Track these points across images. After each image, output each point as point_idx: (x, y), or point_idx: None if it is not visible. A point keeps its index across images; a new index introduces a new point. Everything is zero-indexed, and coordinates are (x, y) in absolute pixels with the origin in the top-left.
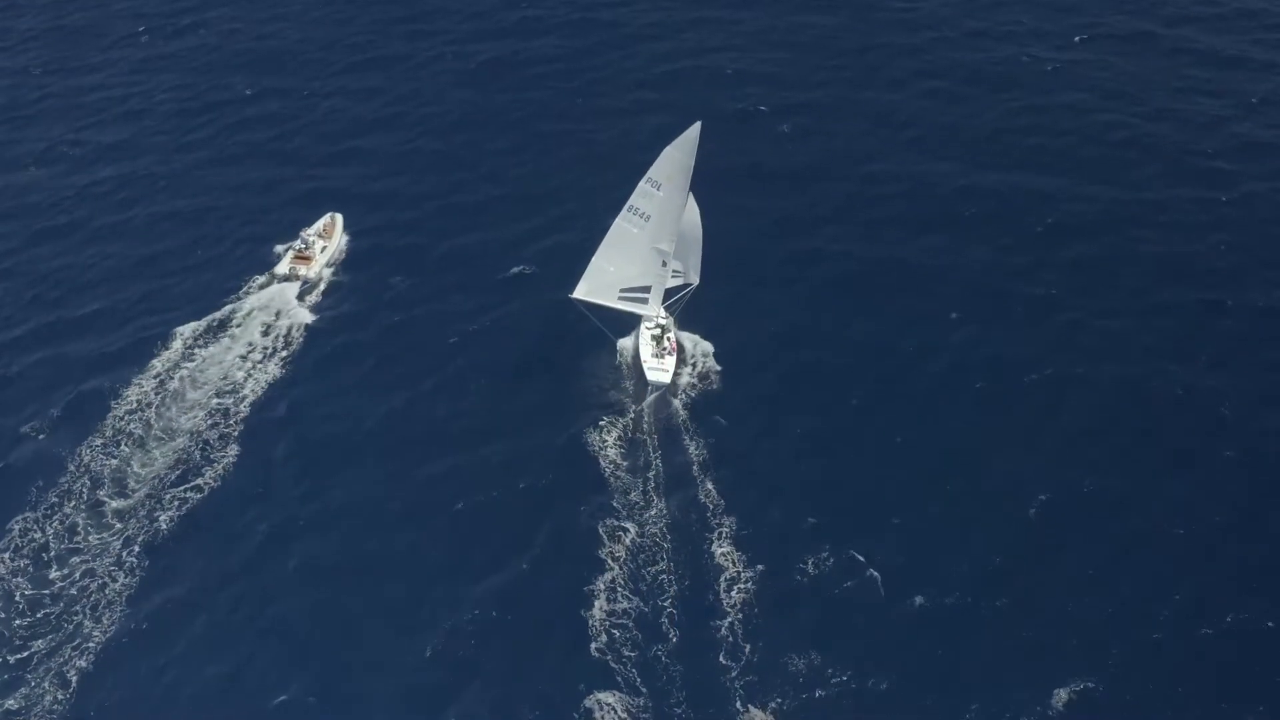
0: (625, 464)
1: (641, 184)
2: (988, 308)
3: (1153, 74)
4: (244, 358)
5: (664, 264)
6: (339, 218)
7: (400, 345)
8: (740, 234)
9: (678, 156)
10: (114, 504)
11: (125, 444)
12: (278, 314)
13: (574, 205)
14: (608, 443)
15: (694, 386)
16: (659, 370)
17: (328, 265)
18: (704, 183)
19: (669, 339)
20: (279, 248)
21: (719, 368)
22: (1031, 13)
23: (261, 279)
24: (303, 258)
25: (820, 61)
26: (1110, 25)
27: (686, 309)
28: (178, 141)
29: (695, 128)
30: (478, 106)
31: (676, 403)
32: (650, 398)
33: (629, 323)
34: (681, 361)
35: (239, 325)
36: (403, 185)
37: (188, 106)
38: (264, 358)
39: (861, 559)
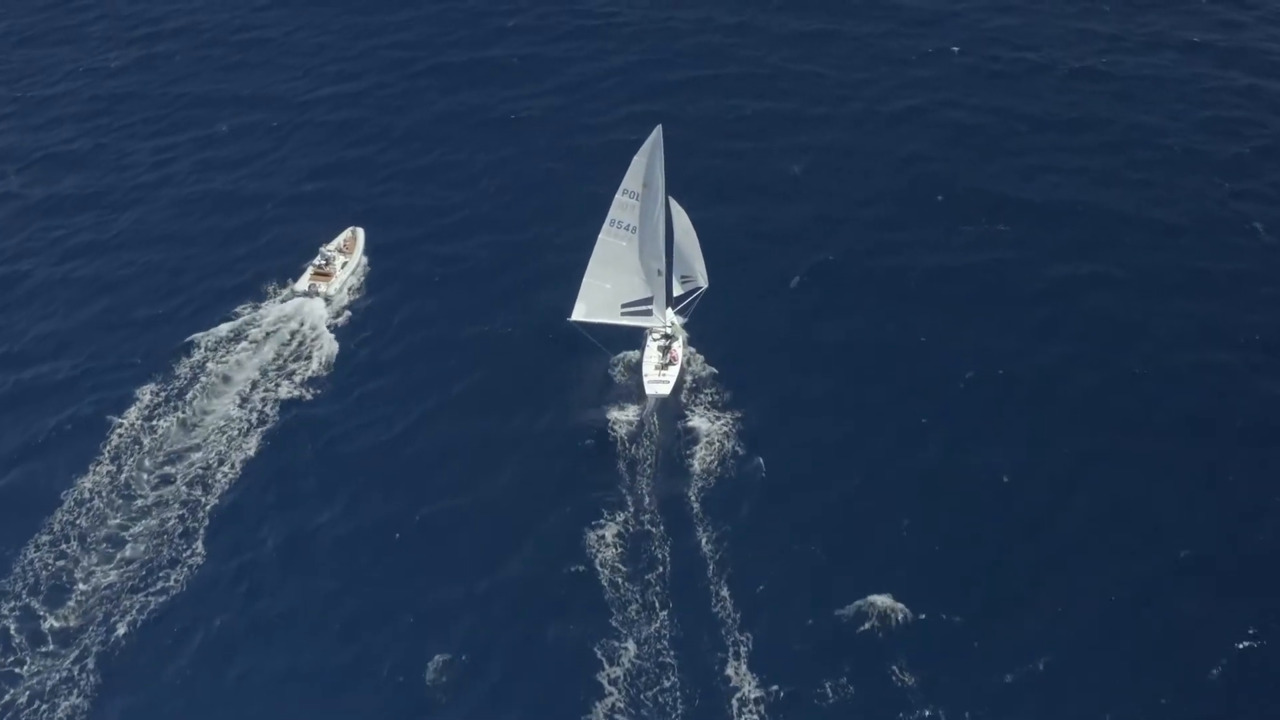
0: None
1: (618, 196)
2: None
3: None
4: (262, 373)
5: (659, 272)
6: (360, 233)
7: (414, 368)
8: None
9: (644, 162)
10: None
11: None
12: (294, 331)
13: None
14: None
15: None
16: (659, 382)
17: (349, 282)
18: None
19: (674, 349)
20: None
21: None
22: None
23: (282, 294)
24: (323, 274)
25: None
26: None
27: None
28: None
29: (656, 130)
30: (497, 117)
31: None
32: (650, 409)
33: (632, 337)
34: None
35: (256, 341)
36: (424, 199)
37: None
38: (279, 374)
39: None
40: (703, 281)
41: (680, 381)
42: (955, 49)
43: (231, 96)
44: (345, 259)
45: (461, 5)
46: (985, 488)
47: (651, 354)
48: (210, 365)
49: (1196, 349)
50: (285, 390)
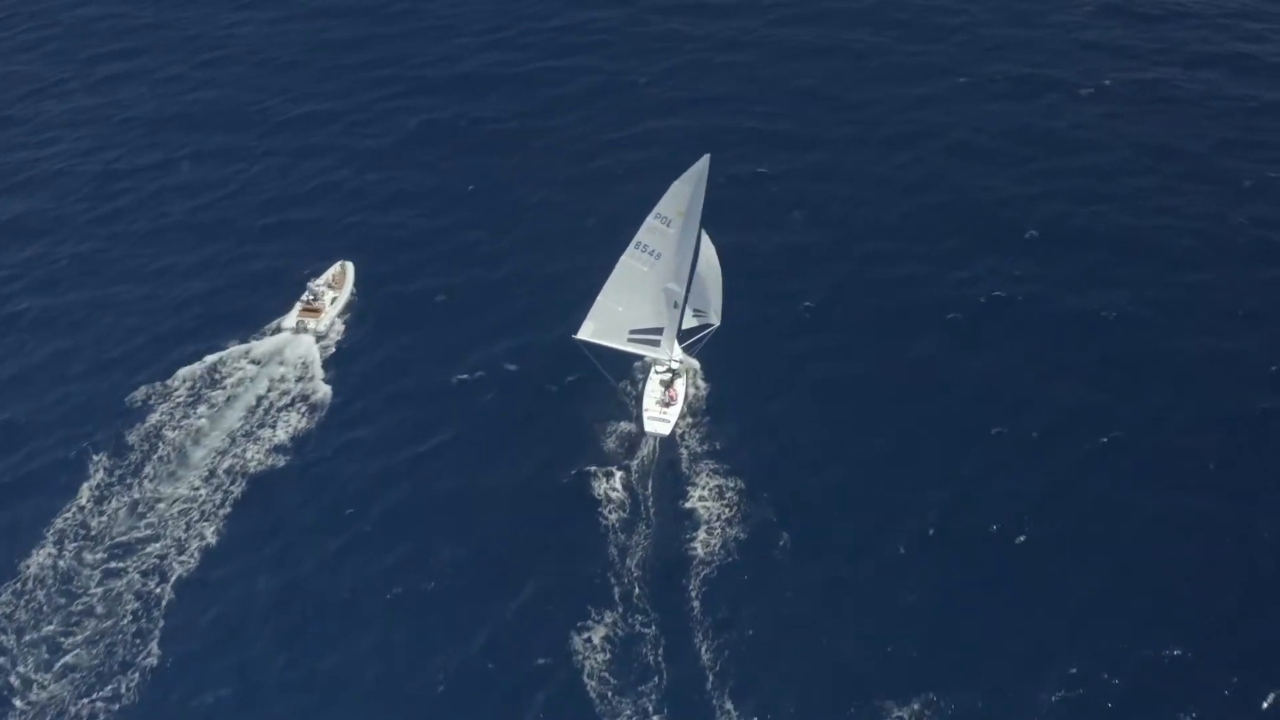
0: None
1: (649, 219)
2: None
3: (1182, 129)
4: (251, 410)
5: (675, 305)
6: (350, 266)
7: (410, 407)
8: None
9: (686, 190)
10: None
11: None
12: (279, 376)
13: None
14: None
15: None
16: (659, 420)
17: (339, 316)
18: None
19: (676, 388)
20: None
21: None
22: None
23: (269, 332)
24: (312, 310)
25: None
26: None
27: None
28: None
29: (704, 160)
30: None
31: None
32: (649, 447)
33: (631, 363)
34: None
35: (233, 389)
36: (409, 228)
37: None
38: (272, 410)
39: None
40: (715, 319)
41: (680, 427)
42: (959, 69)
43: (194, 120)
44: (335, 294)
45: (435, 23)
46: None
47: (653, 388)
48: (178, 421)
49: (1228, 390)
50: (261, 450)
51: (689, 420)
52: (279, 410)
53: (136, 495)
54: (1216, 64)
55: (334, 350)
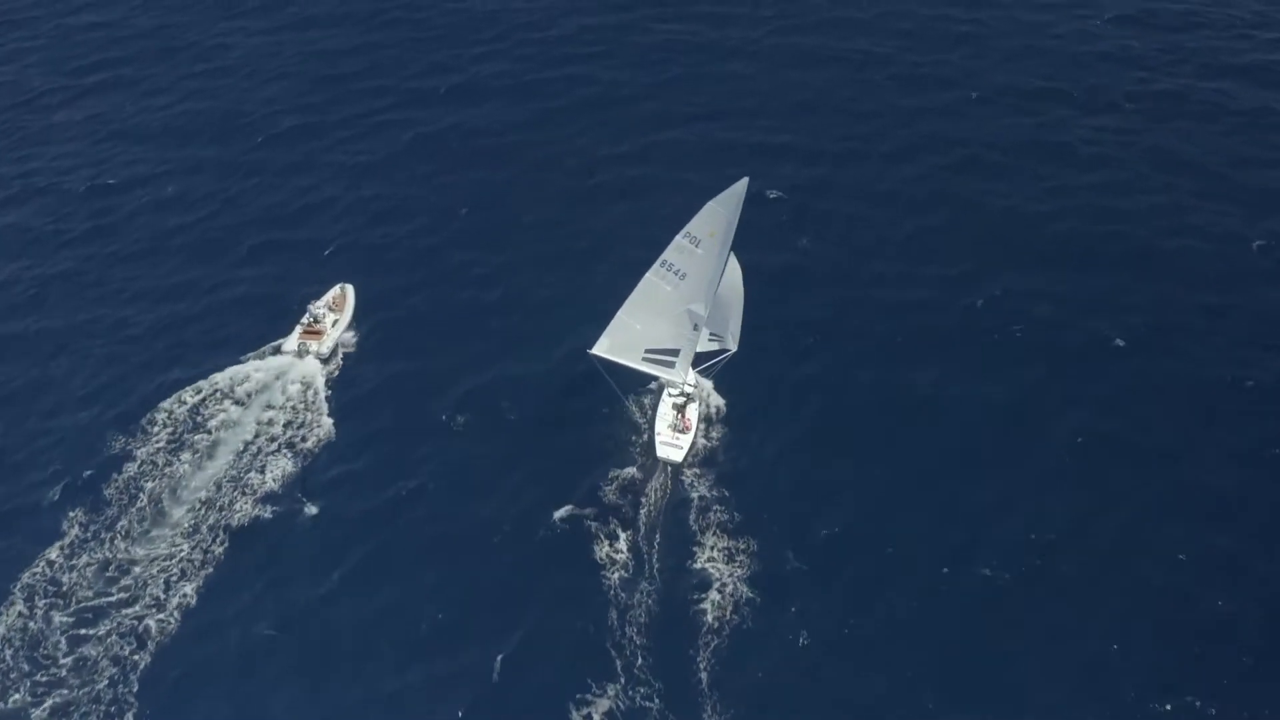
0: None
1: (678, 238)
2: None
3: (1207, 144)
4: (253, 436)
5: (695, 327)
6: (350, 289)
7: (408, 441)
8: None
9: (721, 212)
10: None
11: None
12: (285, 391)
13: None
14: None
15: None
16: (672, 446)
17: (341, 339)
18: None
19: (689, 415)
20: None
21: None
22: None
23: (267, 354)
24: (313, 332)
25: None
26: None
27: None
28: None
29: (743, 183)
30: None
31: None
32: (656, 481)
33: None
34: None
35: (244, 402)
36: (409, 249)
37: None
38: (261, 455)
39: None
40: (733, 345)
41: (689, 461)
42: (967, 81)
43: (181, 134)
44: (335, 316)
45: (428, 33)
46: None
47: (666, 411)
48: (160, 468)
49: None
50: (251, 498)
51: (697, 455)
52: (268, 455)
53: (109, 554)
54: (1232, 75)
55: (338, 374)
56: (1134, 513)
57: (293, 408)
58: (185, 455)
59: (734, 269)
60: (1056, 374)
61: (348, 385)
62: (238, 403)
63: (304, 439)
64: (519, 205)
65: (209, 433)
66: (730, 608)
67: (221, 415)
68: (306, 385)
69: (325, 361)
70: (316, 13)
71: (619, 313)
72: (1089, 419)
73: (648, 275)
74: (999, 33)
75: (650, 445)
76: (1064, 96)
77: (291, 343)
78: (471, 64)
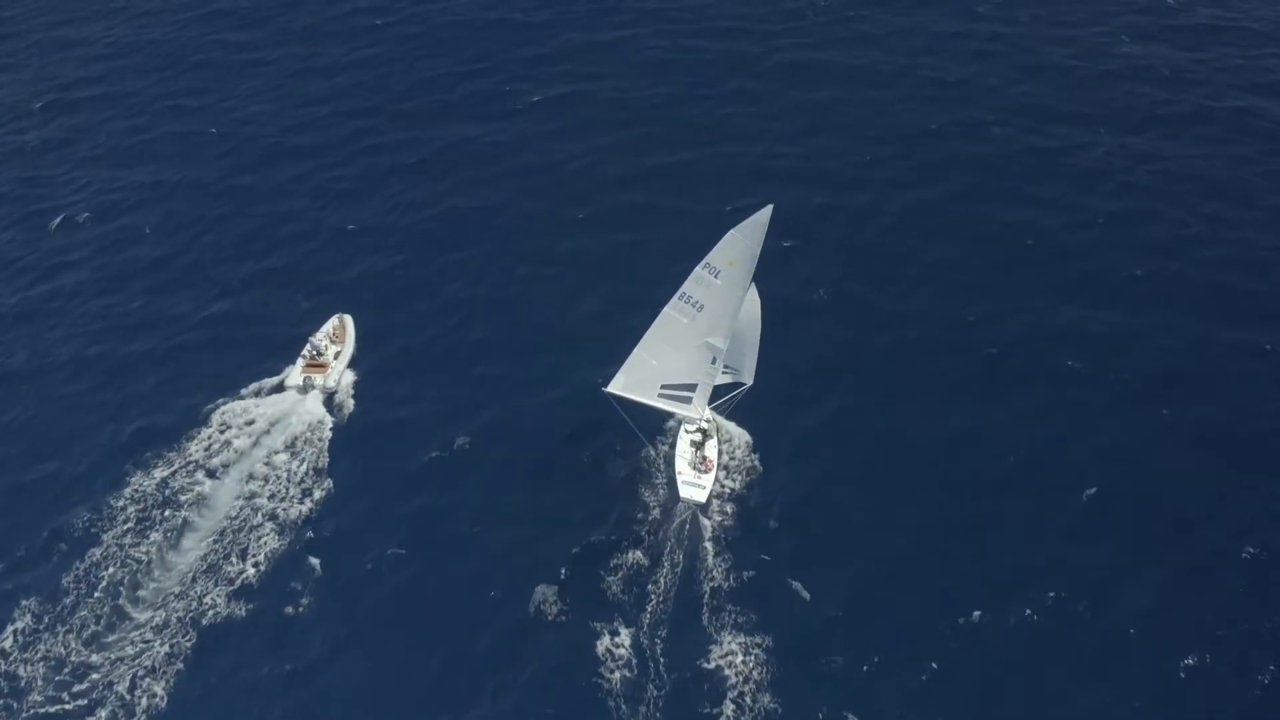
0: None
1: (698, 269)
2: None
3: (1238, 167)
4: (264, 466)
5: (714, 361)
6: (348, 319)
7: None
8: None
9: (743, 243)
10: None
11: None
12: (296, 434)
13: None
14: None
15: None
16: (695, 487)
17: (346, 370)
18: None
19: (709, 453)
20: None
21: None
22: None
23: (267, 394)
24: (316, 365)
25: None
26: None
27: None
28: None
29: (766, 211)
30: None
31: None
32: (681, 515)
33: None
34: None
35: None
36: (399, 283)
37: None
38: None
39: None
40: (748, 379)
41: (713, 499)
42: (987, 108)
43: (156, 158)
44: (338, 348)
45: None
46: None
47: (685, 449)
48: (125, 551)
49: None
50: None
51: (720, 497)
52: (251, 530)
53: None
54: (1260, 92)
55: (348, 413)
56: (1165, 571)
57: (301, 445)
58: (155, 535)
59: (753, 300)
60: (1081, 421)
61: (358, 428)
62: (211, 475)
63: (301, 498)
64: (516, 235)
65: (178, 508)
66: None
67: (197, 489)
68: (314, 425)
69: (331, 393)
70: (296, 33)
71: (636, 348)
72: (1112, 471)
73: (666, 309)
74: (1012, 49)
75: (671, 484)
76: (1085, 118)
77: (295, 377)
78: (460, 83)
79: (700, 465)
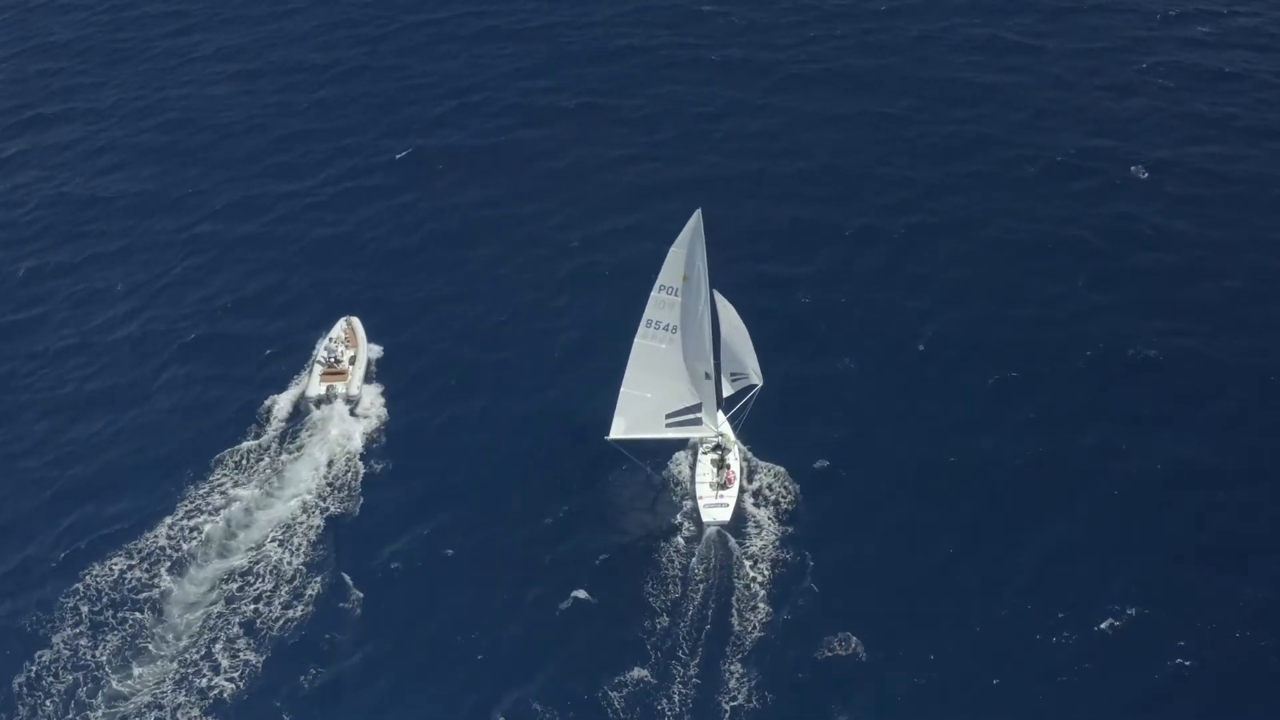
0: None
1: (654, 294)
2: None
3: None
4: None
5: (707, 376)
6: (356, 321)
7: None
8: None
9: (682, 254)
10: None
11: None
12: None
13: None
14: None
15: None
16: (718, 507)
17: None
18: None
19: (731, 468)
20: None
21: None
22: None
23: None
24: (336, 373)
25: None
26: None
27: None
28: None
29: (695, 216)
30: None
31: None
32: (706, 541)
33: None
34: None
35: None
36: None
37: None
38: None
39: None
40: (756, 379)
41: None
42: (1003, 147)
43: (111, 207)
44: (352, 352)
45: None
46: None
47: (704, 470)
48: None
49: None
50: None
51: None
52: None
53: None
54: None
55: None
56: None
57: (341, 468)
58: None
59: (725, 307)
60: (1110, 511)
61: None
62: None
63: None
64: (494, 290)
65: (138, 612)
66: None
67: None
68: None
69: (353, 402)
70: (266, 67)
71: (622, 388)
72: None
73: (636, 340)
74: (1026, 88)
75: (695, 511)
76: (1102, 158)
77: (315, 387)
78: (440, 124)
79: (722, 481)
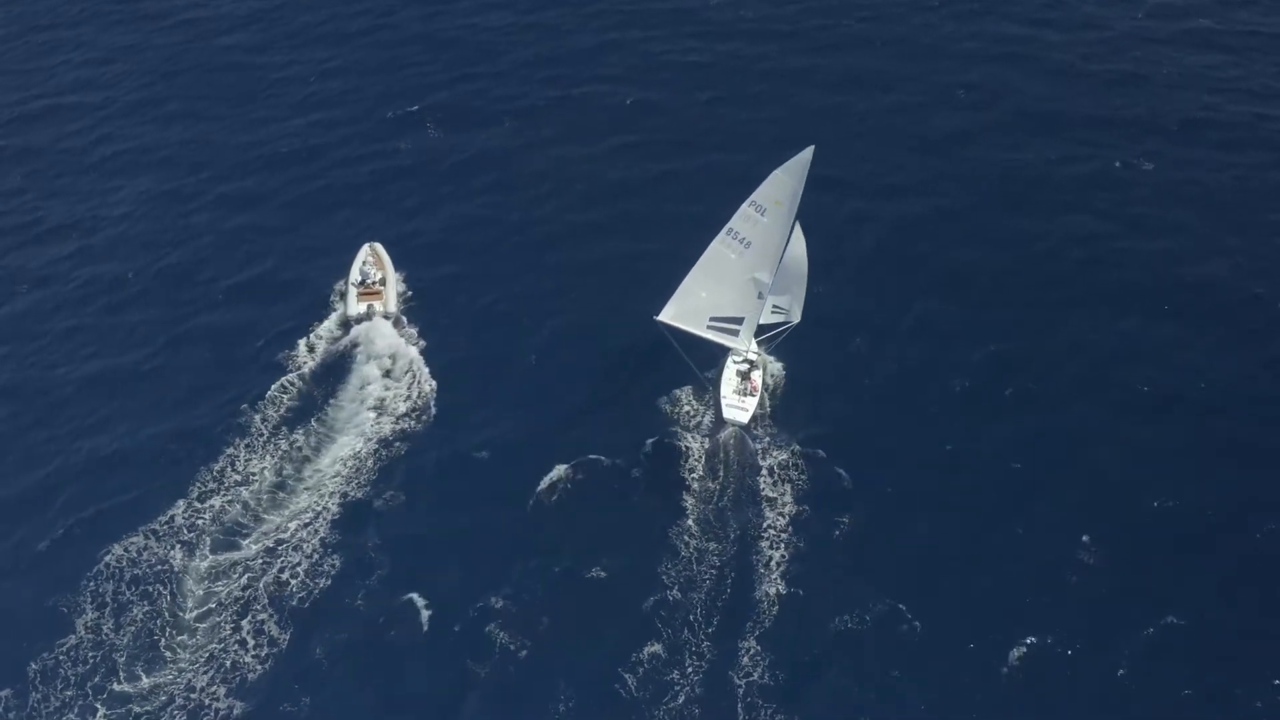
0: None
1: (744, 207)
2: None
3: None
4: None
5: (760, 295)
6: (379, 246)
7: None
8: None
9: (787, 181)
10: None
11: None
12: (393, 357)
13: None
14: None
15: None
16: (738, 409)
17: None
18: None
19: (754, 379)
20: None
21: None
22: None
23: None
24: (371, 292)
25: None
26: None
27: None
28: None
29: (808, 151)
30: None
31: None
32: (724, 434)
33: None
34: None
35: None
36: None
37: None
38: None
39: None
40: (796, 317)
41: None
42: (978, 135)
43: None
44: (381, 273)
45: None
46: None
47: (730, 377)
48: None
49: None
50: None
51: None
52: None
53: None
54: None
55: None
56: None
57: (400, 389)
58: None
59: (799, 239)
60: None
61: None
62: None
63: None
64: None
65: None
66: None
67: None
68: (401, 361)
69: (400, 322)
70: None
71: (685, 280)
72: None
73: (714, 244)
74: (1005, 90)
75: (716, 409)
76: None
77: (354, 307)
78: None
79: (745, 390)
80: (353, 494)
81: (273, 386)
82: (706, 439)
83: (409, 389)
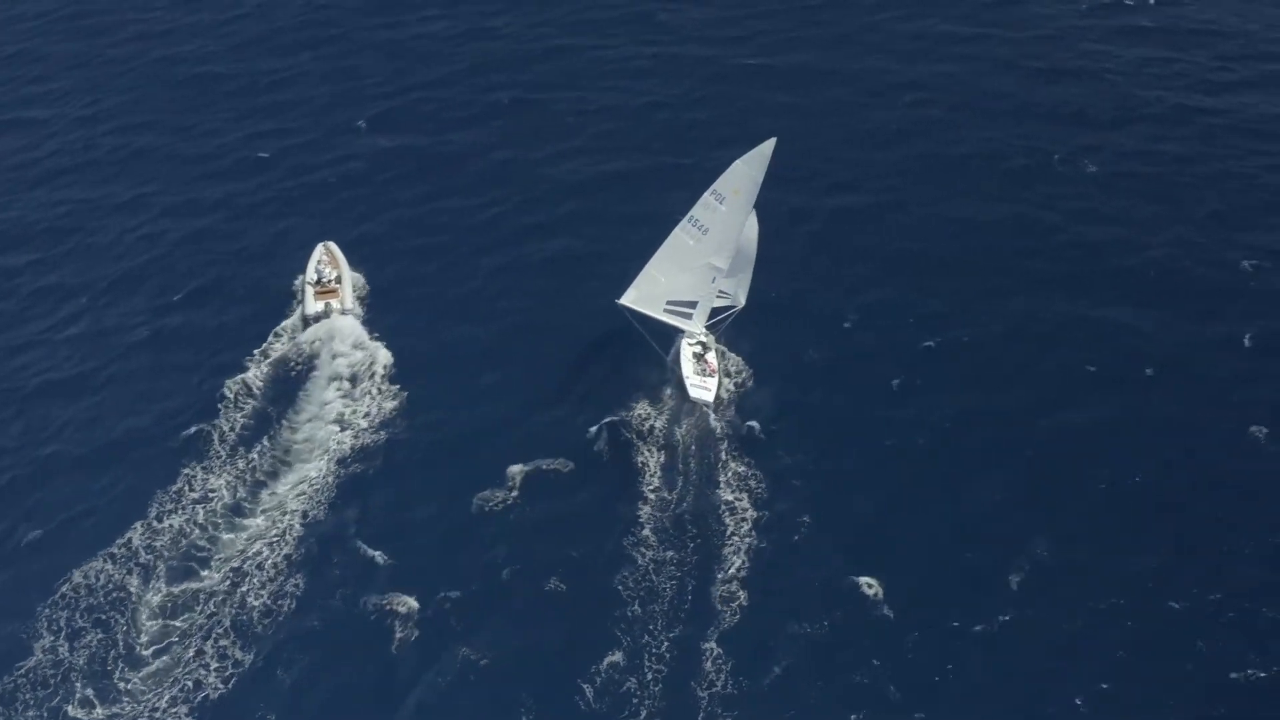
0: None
1: (705, 195)
2: None
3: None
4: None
5: (713, 280)
6: (333, 245)
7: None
8: None
9: (746, 172)
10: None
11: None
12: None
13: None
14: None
15: None
16: (702, 389)
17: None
18: None
19: (710, 360)
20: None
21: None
22: None
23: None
24: (327, 290)
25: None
26: None
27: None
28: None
29: (769, 143)
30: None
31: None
32: (688, 420)
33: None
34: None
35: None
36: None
37: None
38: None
39: None
40: (741, 301)
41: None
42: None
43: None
44: (336, 272)
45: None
46: None
47: (688, 357)
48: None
49: None
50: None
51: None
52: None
53: None
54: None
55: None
56: None
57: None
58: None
59: (752, 225)
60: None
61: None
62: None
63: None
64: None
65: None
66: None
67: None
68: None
69: (348, 313)
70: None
71: (647, 266)
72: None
73: (676, 230)
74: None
75: (680, 389)
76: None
77: (311, 305)
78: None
79: (705, 371)
80: (313, 512)
81: (232, 390)
82: (671, 423)
83: (368, 387)
